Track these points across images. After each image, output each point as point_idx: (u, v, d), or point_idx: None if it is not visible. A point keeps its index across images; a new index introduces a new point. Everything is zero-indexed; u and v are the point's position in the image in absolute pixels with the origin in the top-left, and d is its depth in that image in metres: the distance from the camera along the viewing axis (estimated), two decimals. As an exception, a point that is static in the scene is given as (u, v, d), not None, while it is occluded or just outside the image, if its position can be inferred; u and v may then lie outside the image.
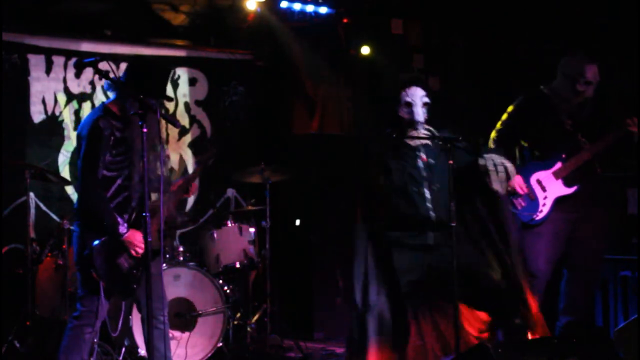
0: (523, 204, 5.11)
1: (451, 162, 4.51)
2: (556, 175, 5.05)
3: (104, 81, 4.21)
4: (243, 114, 7.64)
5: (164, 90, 4.38)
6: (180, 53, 7.37)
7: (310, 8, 7.48)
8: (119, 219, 4.23)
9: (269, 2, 7.23)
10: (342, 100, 7.93)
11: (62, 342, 4.35)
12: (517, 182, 5.05)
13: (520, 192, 5.03)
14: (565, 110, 5.10)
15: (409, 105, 4.66)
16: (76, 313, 4.35)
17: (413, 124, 4.61)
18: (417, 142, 4.67)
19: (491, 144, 5.24)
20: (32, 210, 6.40)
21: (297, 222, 7.32)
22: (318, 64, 7.65)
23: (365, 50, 7.66)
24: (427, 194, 4.56)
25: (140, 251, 4.23)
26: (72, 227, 4.51)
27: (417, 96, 4.67)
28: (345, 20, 7.77)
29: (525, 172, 5.12)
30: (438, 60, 8.01)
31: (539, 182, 5.11)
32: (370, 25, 7.85)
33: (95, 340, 4.47)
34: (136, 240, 4.24)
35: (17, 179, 5.94)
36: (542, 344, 4.22)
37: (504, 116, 5.28)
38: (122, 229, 4.22)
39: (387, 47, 7.91)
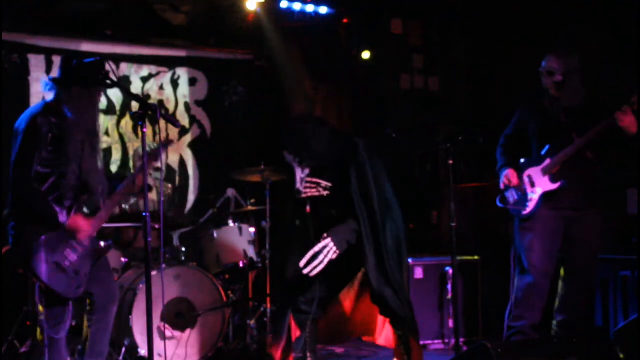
0: (515, 197, 5.21)
1: (451, 162, 4.53)
2: (544, 171, 5.12)
3: (44, 79, 4.30)
4: (243, 114, 7.65)
5: (98, 79, 4.24)
6: (180, 53, 7.38)
7: (310, 8, 7.48)
8: (57, 208, 4.23)
9: (269, 2, 7.23)
10: (342, 100, 7.94)
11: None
12: (510, 175, 5.17)
13: (510, 184, 5.16)
14: (556, 108, 5.15)
15: None
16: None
17: None
18: None
19: (498, 156, 5.42)
20: (32, 210, 6.38)
21: (297, 222, 7.31)
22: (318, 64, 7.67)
23: (366, 55, 7.67)
24: None
25: (83, 237, 4.26)
26: (8, 229, 4.39)
27: None
28: (345, 20, 7.78)
29: (520, 168, 5.21)
30: (438, 60, 8.02)
31: (529, 177, 5.19)
32: (370, 25, 7.86)
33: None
34: (79, 224, 4.24)
35: (17, 179, 5.92)
36: (542, 344, 4.23)
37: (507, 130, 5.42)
38: (62, 217, 4.23)
39: (387, 47, 7.92)
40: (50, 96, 4.36)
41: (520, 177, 5.21)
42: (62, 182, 4.25)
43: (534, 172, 5.16)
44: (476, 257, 6.48)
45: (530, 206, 5.13)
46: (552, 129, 5.14)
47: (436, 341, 6.44)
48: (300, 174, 4.34)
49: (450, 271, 6.14)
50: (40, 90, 6.67)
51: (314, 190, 4.36)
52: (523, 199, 5.19)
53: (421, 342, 6.32)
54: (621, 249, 5.54)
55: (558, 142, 5.10)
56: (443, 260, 6.43)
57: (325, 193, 4.35)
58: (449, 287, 6.25)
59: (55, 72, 6.68)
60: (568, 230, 5.12)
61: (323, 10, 7.53)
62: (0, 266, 6.00)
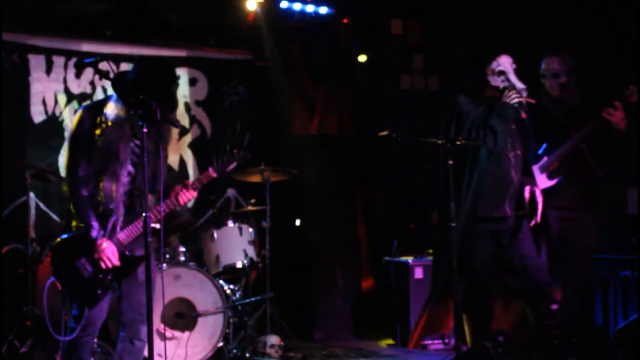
0: None
1: (451, 162, 4.52)
2: (541, 169, 5.14)
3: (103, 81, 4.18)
4: (243, 114, 7.64)
5: (168, 95, 4.23)
6: (180, 53, 7.37)
7: (310, 8, 7.48)
8: (95, 223, 4.07)
9: (269, 2, 7.23)
10: (342, 100, 7.94)
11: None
12: None
13: None
14: (557, 109, 5.17)
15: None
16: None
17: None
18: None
19: None
20: (32, 210, 6.39)
21: (297, 222, 7.32)
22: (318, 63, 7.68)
23: (362, 58, 7.67)
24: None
25: (104, 266, 4.06)
26: None
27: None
28: (345, 20, 7.78)
29: None
30: (438, 60, 8.02)
31: None
32: (370, 26, 7.86)
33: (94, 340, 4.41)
34: (105, 254, 4.05)
35: (17, 179, 5.93)
36: (542, 344, 4.23)
37: None
38: (94, 232, 4.06)
39: (387, 47, 7.92)
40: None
41: None
42: (103, 196, 4.10)
43: (533, 170, 5.16)
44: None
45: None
46: (551, 128, 5.15)
47: (436, 341, 6.43)
48: None
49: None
50: (40, 90, 6.68)
51: None
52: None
53: (421, 342, 6.35)
54: (621, 249, 5.54)
55: (557, 139, 5.11)
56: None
57: None
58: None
59: (57, 73, 6.72)
60: (565, 230, 5.12)
61: (323, 10, 7.53)
62: (0, 266, 6.01)
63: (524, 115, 4.76)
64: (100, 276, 4.10)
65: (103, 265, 4.06)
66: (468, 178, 4.83)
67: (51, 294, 5.65)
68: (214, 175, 4.41)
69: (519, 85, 4.80)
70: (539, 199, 4.87)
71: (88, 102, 6.59)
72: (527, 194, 4.83)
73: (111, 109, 4.10)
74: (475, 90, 4.93)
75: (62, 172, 6.60)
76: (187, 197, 4.27)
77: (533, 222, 4.87)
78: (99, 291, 4.10)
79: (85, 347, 4.20)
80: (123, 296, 4.21)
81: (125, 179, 4.13)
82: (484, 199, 4.77)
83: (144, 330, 4.19)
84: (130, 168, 4.14)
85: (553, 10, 6.56)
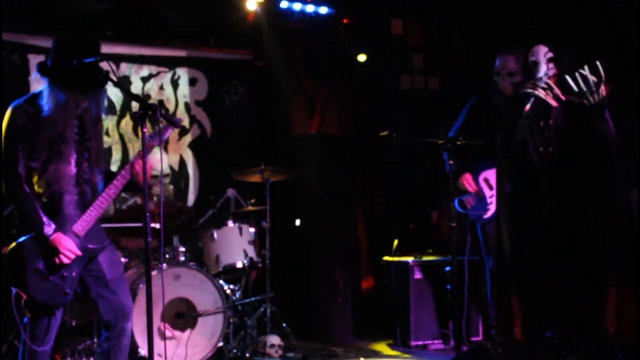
0: (472, 202, 5.17)
1: (451, 162, 4.52)
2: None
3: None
4: (243, 114, 7.65)
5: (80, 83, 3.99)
6: (180, 53, 7.38)
7: (310, 8, 7.48)
8: (44, 219, 3.90)
9: (269, 2, 7.23)
10: (342, 100, 7.94)
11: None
12: (467, 180, 5.10)
13: (470, 189, 5.10)
14: (507, 106, 5.14)
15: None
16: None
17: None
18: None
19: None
20: (32, 210, 6.38)
21: (297, 222, 7.33)
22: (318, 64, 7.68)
23: (362, 58, 7.67)
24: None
25: (67, 260, 3.90)
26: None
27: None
28: (345, 20, 7.78)
29: (474, 171, 5.16)
30: (438, 60, 8.02)
31: (486, 180, 5.16)
32: (370, 26, 7.86)
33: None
34: (63, 246, 3.89)
35: (17, 179, 5.91)
36: (542, 344, 4.23)
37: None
38: (48, 229, 3.90)
39: (387, 47, 7.92)
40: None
41: (476, 181, 5.16)
42: (50, 181, 3.94)
43: (491, 174, 5.11)
44: (476, 257, 6.47)
45: (492, 209, 5.09)
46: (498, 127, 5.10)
47: (436, 341, 6.44)
48: None
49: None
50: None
51: None
52: (482, 202, 5.14)
53: (421, 342, 6.35)
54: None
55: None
56: (443, 260, 6.44)
57: None
58: (449, 287, 6.25)
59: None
60: None
61: (323, 10, 7.53)
62: (0, 266, 6.01)
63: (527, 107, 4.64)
64: (66, 274, 3.94)
65: (65, 260, 3.90)
66: None
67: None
68: (155, 143, 4.11)
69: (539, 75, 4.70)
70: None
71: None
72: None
73: (45, 99, 3.96)
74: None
75: None
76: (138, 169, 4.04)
77: None
78: (67, 290, 3.95)
79: (46, 358, 4.01)
80: (96, 300, 4.08)
81: (72, 159, 3.98)
82: None
83: (128, 326, 4.13)
84: (73, 152, 3.99)
85: (553, 10, 6.55)
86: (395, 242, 6.77)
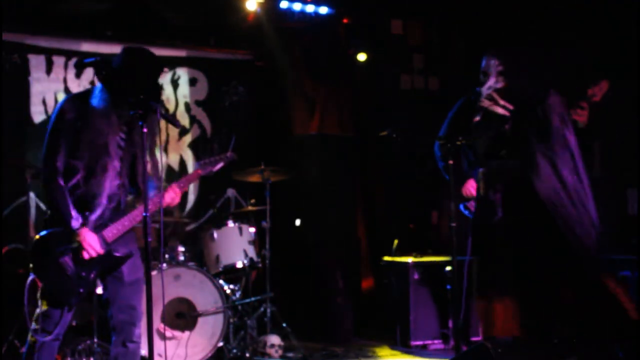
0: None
1: (451, 162, 4.52)
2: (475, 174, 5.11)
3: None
4: (243, 114, 7.65)
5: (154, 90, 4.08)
6: (180, 53, 7.38)
7: (310, 8, 7.48)
8: (73, 212, 3.91)
9: (269, 2, 7.24)
10: (342, 100, 7.94)
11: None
12: (470, 187, 5.09)
13: (475, 194, 5.11)
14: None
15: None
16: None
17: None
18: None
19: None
20: (32, 210, 6.40)
21: (297, 222, 7.33)
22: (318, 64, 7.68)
23: (362, 57, 7.67)
24: None
25: (87, 256, 3.91)
26: None
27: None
28: (345, 20, 7.78)
29: (475, 176, 5.17)
30: (438, 60, 8.02)
31: None
32: (370, 26, 7.86)
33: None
34: (87, 242, 3.90)
35: (17, 179, 5.94)
36: (542, 344, 4.23)
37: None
38: (76, 222, 3.91)
39: (387, 48, 7.92)
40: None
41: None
42: (87, 183, 3.97)
43: None
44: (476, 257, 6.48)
45: (498, 213, 5.09)
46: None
47: (436, 341, 6.44)
48: None
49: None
50: (40, 90, 6.68)
51: None
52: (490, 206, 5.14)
53: (421, 342, 6.35)
54: (621, 249, 5.54)
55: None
56: (443, 260, 6.44)
57: None
58: (449, 287, 6.24)
59: (57, 72, 6.72)
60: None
61: (323, 10, 7.54)
62: (0, 266, 6.01)
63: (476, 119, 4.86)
64: (84, 274, 3.94)
65: (86, 256, 3.90)
66: None
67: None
68: (201, 173, 4.25)
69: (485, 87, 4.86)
70: None
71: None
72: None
73: (97, 100, 3.97)
74: None
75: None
76: (172, 197, 4.12)
77: None
78: (81, 290, 3.93)
79: (53, 352, 4.02)
80: (110, 300, 4.08)
81: (113, 172, 4.01)
82: None
83: (136, 332, 4.13)
84: (116, 162, 4.02)
85: (553, 10, 6.56)
86: (395, 242, 6.78)
